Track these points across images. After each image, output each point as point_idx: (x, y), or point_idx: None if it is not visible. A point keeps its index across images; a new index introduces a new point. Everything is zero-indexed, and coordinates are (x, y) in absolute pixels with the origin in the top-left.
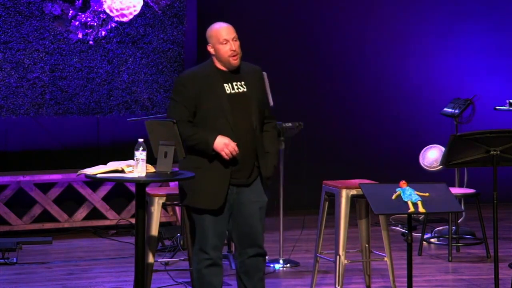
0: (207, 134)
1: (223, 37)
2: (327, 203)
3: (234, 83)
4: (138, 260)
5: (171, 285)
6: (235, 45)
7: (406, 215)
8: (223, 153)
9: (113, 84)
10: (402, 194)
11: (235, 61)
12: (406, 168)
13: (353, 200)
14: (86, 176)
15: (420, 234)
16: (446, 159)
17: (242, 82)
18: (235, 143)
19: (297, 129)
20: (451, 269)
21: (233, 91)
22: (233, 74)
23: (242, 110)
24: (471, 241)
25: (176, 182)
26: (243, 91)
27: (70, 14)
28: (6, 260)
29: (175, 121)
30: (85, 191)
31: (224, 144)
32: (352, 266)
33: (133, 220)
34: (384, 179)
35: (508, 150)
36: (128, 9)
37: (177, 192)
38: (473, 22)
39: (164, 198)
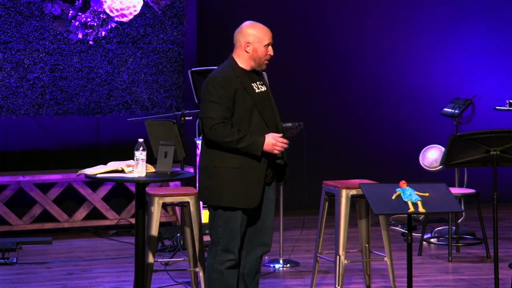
0: (255, 137)
1: (267, 40)
2: (327, 203)
3: (258, 83)
4: (138, 260)
5: (171, 285)
6: (272, 50)
7: (406, 215)
8: (275, 152)
9: (113, 84)
10: (402, 194)
11: (266, 65)
12: (406, 168)
13: (353, 200)
14: (86, 176)
15: (420, 234)
16: (446, 159)
17: (261, 82)
18: (281, 136)
19: (297, 129)
20: (451, 269)
21: (258, 90)
22: (254, 74)
23: (268, 108)
24: (471, 241)
25: (176, 182)
26: (265, 90)
27: (70, 14)
28: (6, 260)
29: (175, 121)
30: (85, 191)
31: (272, 145)
32: (352, 266)
33: (133, 220)
34: (384, 179)
35: (508, 150)
36: (128, 9)
37: (177, 192)
38: (473, 22)
39: (164, 198)
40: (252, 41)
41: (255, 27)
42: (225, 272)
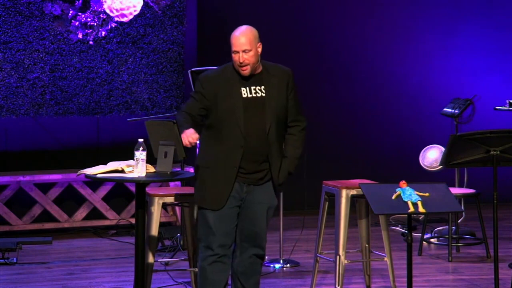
0: (186, 126)
1: (233, 47)
2: (327, 203)
3: (253, 87)
4: (138, 260)
5: (171, 285)
6: (243, 57)
7: (406, 215)
8: (185, 143)
9: (113, 84)
10: (402, 194)
11: (243, 72)
12: (406, 168)
13: (353, 200)
14: (86, 176)
15: (420, 234)
16: (446, 159)
17: (262, 87)
18: (197, 135)
19: None
20: (451, 269)
21: (249, 96)
22: (254, 78)
23: (255, 114)
24: (471, 241)
25: (176, 182)
26: (261, 95)
27: (70, 14)
28: (6, 260)
29: (174, 121)
30: (85, 191)
31: (185, 137)
32: (352, 266)
33: (133, 220)
34: (384, 179)
35: (508, 150)
36: (128, 9)
37: (177, 192)
38: (473, 22)
39: (164, 198)
40: (231, 46)
41: (233, 33)
42: (208, 268)
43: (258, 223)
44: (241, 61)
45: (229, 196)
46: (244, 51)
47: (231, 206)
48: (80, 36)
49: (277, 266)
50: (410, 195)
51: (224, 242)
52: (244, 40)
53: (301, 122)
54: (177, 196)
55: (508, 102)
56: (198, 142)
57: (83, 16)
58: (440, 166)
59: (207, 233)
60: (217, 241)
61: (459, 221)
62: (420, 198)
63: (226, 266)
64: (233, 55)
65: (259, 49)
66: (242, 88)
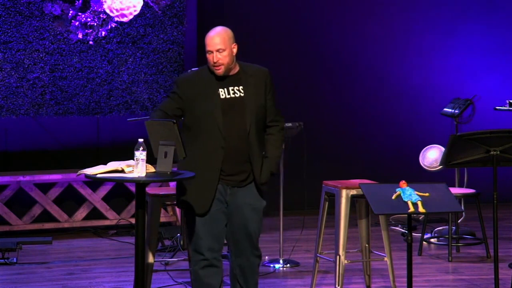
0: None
1: (207, 48)
2: (327, 203)
3: (231, 88)
4: (138, 260)
5: (171, 285)
6: (217, 57)
7: (406, 215)
8: None
9: (113, 84)
10: (402, 194)
11: (217, 71)
12: (406, 168)
13: (353, 200)
14: (86, 176)
15: (420, 234)
16: (446, 159)
17: (240, 87)
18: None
19: (297, 129)
20: (451, 269)
21: (228, 96)
22: (231, 79)
23: (235, 115)
24: (471, 241)
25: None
26: (239, 95)
27: (70, 14)
28: (6, 260)
29: (174, 121)
30: (85, 191)
31: None
32: (352, 266)
33: (133, 220)
34: (384, 179)
35: (508, 150)
36: (128, 9)
37: None
38: (473, 22)
39: (164, 198)
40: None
41: (207, 34)
42: (200, 272)
43: (248, 225)
44: (215, 60)
45: (213, 199)
46: (218, 50)
47: (216, 208)
48: (80, 36)
49: (277, 266)
50: (410, 195)
51: (213, 245)
52: (218, 40)
53: (280, 122)
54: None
55: (508, 102)
56: None
57: (83, 16)
58: (440, 166)
59: (195, 238)
60: (205, 245)
61: (459, 221)
62: (420, 198)
63: (219, 269)
64: (207, 55)
65: (234, 50)
66: (220, 89)
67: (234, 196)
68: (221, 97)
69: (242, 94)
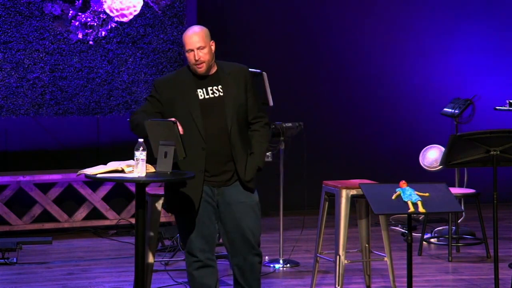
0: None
1: (187, 47)
2: (327, 203)
3: (210, 88)
4: (138, 260)
5: (171, 285)
6: (198, 55)
7: (406, 215)
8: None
9: (113, 84)
10: (402, 194)
11: (199, 69)
12: (406, 168)
13: (353, 200)
14: (86, 176)
15: (420, 234)
16: (446, 159)
17: (219, 86)
18: None
19: (297, 129)
20: (451, 269)
21: (207, 96)
22: (209, 79)
23: (215, 115)
24: (471, 241)
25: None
26: (218, 95)
27: (70, 14)
28: (6, 260)
29: (174, 121)
30: (85, 191)
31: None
32: (352, 266)
33: (133, 220)
34: (384, 179)
35: (508, 150)
36: (128, 9)
37: None
38: (473, 22)
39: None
40: (184, 47)
41: (184, 34)
42: (195, 274)
43: (240, 223)
44: (197, 58)
45: (200, 200)
46: (198, 48)
47: (205, 210)
48: (80, 36)
49: (277, 266)
50: (410, 195)
51: (204, 246)
52: (197, 38)
53: (263, 118)
54: None
55: (508, 102)
56: None
57: (83, 16)
58: (440, 166)
59: (186, 240)
60: (197, 247)
61: (459, 221)
62: (420, 198)
63: (213, 269)
64: (187, 54)
65: (213, 47)
66: (198, 90)
67: (223, 196)
68: (200, 98)
69: (221, 94)
